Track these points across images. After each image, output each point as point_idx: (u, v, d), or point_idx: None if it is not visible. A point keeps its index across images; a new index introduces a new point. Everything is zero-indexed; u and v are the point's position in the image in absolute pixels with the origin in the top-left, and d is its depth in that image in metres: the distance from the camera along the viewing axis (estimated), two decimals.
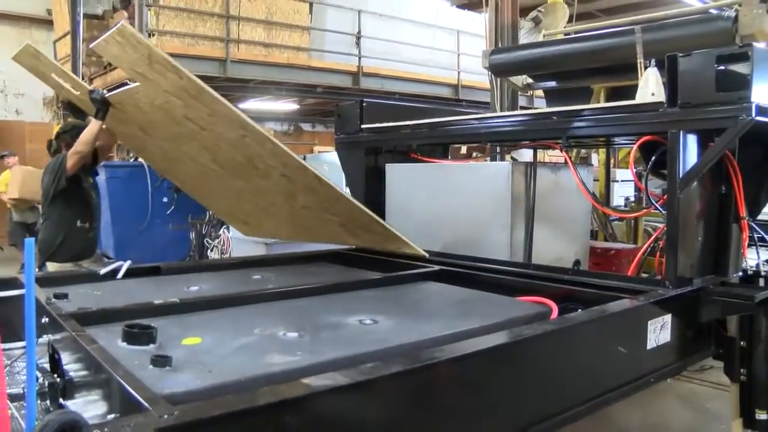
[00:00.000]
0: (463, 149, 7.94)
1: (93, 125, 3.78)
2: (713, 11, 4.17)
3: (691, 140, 2.45)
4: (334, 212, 2.61)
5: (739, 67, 2.24)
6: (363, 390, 1.39)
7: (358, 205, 2.45)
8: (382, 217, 3.82)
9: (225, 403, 1.19)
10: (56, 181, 4.14)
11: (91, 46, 2.36)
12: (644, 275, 3.05)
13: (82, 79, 13.12)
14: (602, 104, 2.78)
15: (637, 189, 6.30)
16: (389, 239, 2.63)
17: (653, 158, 2.58)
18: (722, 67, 2.26)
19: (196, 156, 2.75)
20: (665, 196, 2.53)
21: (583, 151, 6.86)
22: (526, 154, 4.29)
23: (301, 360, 1.67)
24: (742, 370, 2.55)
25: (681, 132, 2.38)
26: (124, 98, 2.70)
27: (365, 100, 3.96)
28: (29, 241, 1.09)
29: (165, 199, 8.61)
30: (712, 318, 2.51)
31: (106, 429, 1.05)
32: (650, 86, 2.83)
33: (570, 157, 3.04)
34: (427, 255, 2.83)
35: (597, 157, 7.43)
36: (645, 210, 3.06)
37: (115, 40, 2.07)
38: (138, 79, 2.29)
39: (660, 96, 2.57)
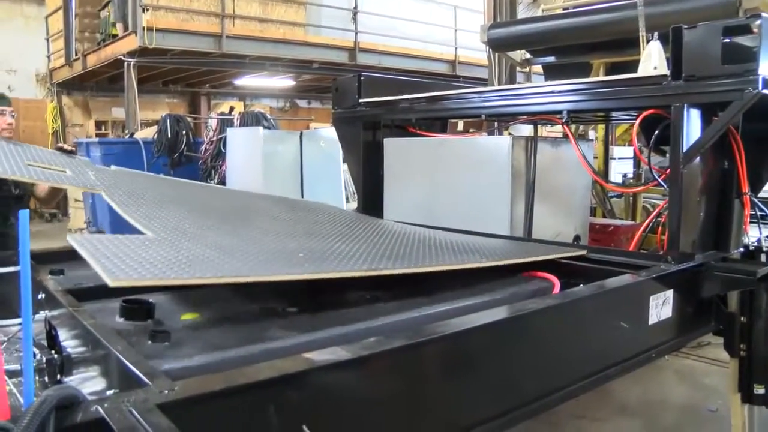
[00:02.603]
0: (460, 126, 7.90)
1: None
2: None
3: (695, 114, 2.42)
4: None
5: (746, 40, 2.20)
6: (365, 365, 1.37)
7: None
8: (380, 192, 3.81)
9: (226, 377, 1.17)
10: None
11: None
12: (643, 252, 3.03)
13: (75, 55, 13.03)
14: (604, 77, 2.74)
15: (636, 166, 6.29)
16: None
17: (656, 132, 2.55)
18: (728, 40, 2.22)
19: None
20: (667, 171, 2.51)
21: (581, 128, 6.83)
22: (522, 130, 4.26)
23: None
24: (741, 346, 2.54)
25: (685, 106, 2.35)
26: None
27: (363, 73, 3.91)
28: (24, 213, 1.05)
29: (161, 176, 8.56)
30: (713, 293, 2.49)
31: (105, 404, 1.02)
32: (653, 60, 2.78)
33: (572, 132, 3.00)
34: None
35: (595, 134, 7.42)
36: (647, 185, 3.02)
37: None
38: None
39: (663, 69, 2.53)
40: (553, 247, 2.67)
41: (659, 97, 2.43)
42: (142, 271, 1.47)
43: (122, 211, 2.17)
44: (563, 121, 2.85)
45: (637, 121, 2.56)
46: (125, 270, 1.43)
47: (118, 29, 11.62)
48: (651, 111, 2.51)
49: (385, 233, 2.65)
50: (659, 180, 2.58)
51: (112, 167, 3.09)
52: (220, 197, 3.11)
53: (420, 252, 2.27)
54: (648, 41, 3.12)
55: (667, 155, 2.90)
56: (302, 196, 7.45)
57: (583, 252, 2.55)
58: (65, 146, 3.68)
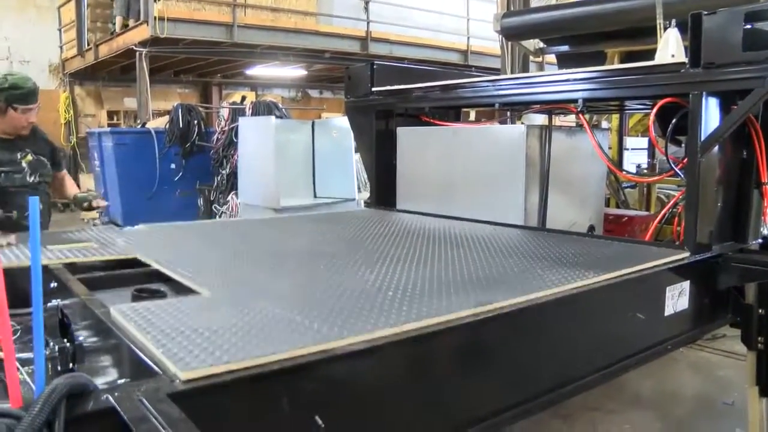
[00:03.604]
0: (472, 116, 7.85)
1: None
2: None
3: (713, 103, 2.37)
4: None
5: None
6: (379, 354, 1.36)
7: None
8: (393, 181, 3.79)
9: (238, 367, 1.16)
10: None
11: None
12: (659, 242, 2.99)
13: (87, 45, 13.05)
14: (621, 65, 2.69)
15: (650, 156, 6.23)
16: None
17: (674, 121, 2.50)
18: (750, 26, 2.17)
19: None
20: (684, 161, 2.47)
21: (594, 118, 6.77)
22: (534, 120, 4.21)
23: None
24: (759, 338, 2.51)
25: (704, 94, 2.30)
26: None
27: (376, 62, 3.89)
28: (33, 200, 1.04)
29: (173, 166, 8.58)
30: (730, 285, 2.46)
31: (116, 393, 1.02)
32: (670, 47, 2.73)
33: (588, 121, 2.96)
34: None
35: (608, 124, 7.35)
36: (663, 174, 2.98)
37: None
38: None
39: (681, 57, 2.49)
40: (651, 249, 2.46)
41: (677, 85, 2.39)
42: (214, 350, 1.23)
43: (165, 269, 2.04)
44: (578, 110, 2.81)
45: (654, 110, 2.52)
46: (195, 353, 1.21)
47: (117, 23, 11.66)
48: (668, 99, 2.47)
49: (454, 244, 2.56)
50: (676, 170, 2.55)
51: (140, 226, 3.02)
52: (257, 230, 3.05)
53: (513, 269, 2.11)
54: (665, 29, 3.06)
55: (683, 145, 2.86)
56: (314, 186, 7.44)
57: (687, 254, 2.35)
58: (94, 202, 3.66)
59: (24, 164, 3.55)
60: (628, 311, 2.08)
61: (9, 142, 3.54)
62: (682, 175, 2.52)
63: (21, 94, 3.41)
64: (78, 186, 4.18)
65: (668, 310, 2.21)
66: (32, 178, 3.57)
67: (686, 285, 2.25)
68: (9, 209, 3.45)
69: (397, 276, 1.95)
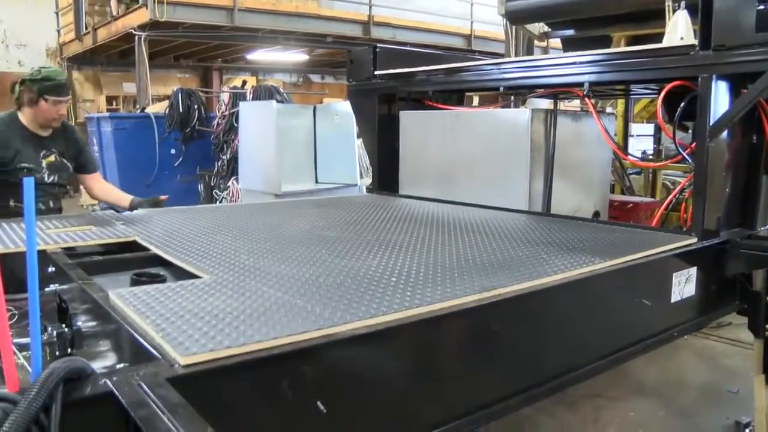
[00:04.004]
0: (475, 101, 7.81)
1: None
2: None
3: (723, 86, 2.34)
4: None
5: None
6: (382, 339, 1.35)
7: None
8: (396, 166, 3.77)
9: (239, 351, 1.14)
10: None
11: None
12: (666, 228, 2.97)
13: (85, 29, 12.99)
14: (628, 48, 2.66)
15: (656, 142, 6.20)
16: None
17: (682, 105, 2.47)
18: (763, 6, 2.14)
19: None
20: (692, 146, 2.44)
21: (599, 103, 6.74)
22: (538, 105, 4.18)
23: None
24: (767, 326, 2.50)
25: (713, 77, 2.27)
26: None
27: (379, 45, 3.85)
28: (28, 180, 1.02)
29: (173, 151, 8.55)
30: (738, 272, 2.44)
31: (114, 377, 1.00)
32: (679, 30, 2.71)
33: (594, 105, 2.94)
34: None
35: (612, 110, 7.32)
36: (670, 159, 2.96)
37: None
38: None
39: (690, 40, 2.46)
40: (657, 235, 2.45)
41: (686, 68, 2.36)
42: (215, 334, 1.21)
43: (165, 254, 2.02)
44: (584, 93, 2.78)
45: (662, 93, 2.49)
46: (195, 337, 1.19)
47: (113, 6, 11.59)
48: (676, 83, 2.44)
49: (455, 228, 2.55)
50: (684, 154, 2.52)
51: (137, 211, 3.00)
52: (258, 214, 3.02)
53: (519, 253, 2.08)
54: (674, 12, 3.03)
55: (690, 131, 2.83)
56: (315, 172, 7.42)
57: (694, 240, 2.33)
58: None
59: (44, 164, 3.54)
60: (634, 297, 2.06)
61: (37, 139, 3.53)
62: (690, 160, 2.50)
63: (53, 85, 3.42)
64: None
65: (674, 297, 2.19)
66: (50, 179, 3.57)
67: (693, 271, 2.23)
68: (20, 201, 3.42)
69: (400, 261, 1.93)
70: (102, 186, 3.75)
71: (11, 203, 3.45)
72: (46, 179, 3.53)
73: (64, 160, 3.63)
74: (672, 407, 3.35)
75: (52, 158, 3.55)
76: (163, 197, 3.25)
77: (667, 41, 2.70)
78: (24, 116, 3.51)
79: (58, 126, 3.57)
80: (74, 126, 3.87)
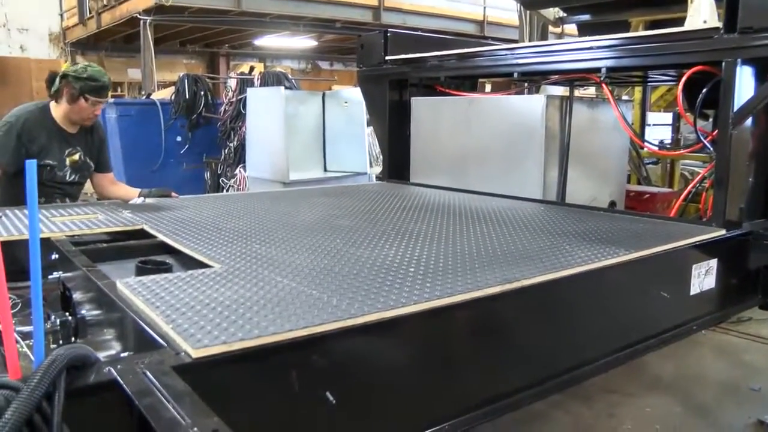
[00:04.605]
0: (487, 88, 7.77)
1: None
2: None
3: (748, 71, 2.31)
4: None
5: None
6: (393, 329, 1.34)
7: None
8: (407, 154, 3.76)
9: (247, 340, 1.13)
10: None
11: None
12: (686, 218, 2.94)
13: (89, 13, 12.99)
14: (648, 32, 2.62)
15: (674, 131, 6.14)
16: None
17: (704, 90, 2.44)
18: None
19: None
20: (714, 133, 2.41)
21: (615, 91, 6.68)
22: (552, 93, 4.15)
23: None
24: None
25: (738, 61, 2.24)
26: None
27: (390, 30, 3.83)
28: (30, 163, 1.01)
29: (178, 138, 8.54)
30: (760, 264, 2.42)
31: (118, 365, 1.00)
32: (702, 13, 2.66)
33: (611, 92, 2.90)
34: None
35: (629, 98, 7.26)
36: (690, 148, 2.93)
37: None
38: None
39: (714, 23, 2.42)
40: (681, 225, 2.44)
41: (709, 52, 2.32)
42: (228, 325, 1.19)
43: (174, 242, 2.01)
44: (601, 79, 2.75)
45: (684, 78, 2.46)
46: (207, 329, 1.17)
47: None
48: (699, 68, 2.41)
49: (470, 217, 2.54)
50: (705, 142, 2.49)
51: (145, 200, 3.01)
52: (267, 202, 3.02)
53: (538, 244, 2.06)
54: None
55: (710, 119, 2.80)
56: (324, 160, 7.41)
57: (717, 231, 2.30)
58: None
59: (68, 162, 3.53)
60: (651, 289, 2.04)
61: (63, 135, 3.53)
62: (712, 149, 2.47)
63: (96, 86, 3.46)
64: None
65: (694, 290, 2.17)
66: (71, 178, 3.57)
67: (713, 263, 2.21)
68: (41, 202, 3.38)
69: (417, 251, 1.92)
70: (115, 188, 3.75)
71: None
72: (66, 178, 3.53)
73: (88, 159, 3.63)
74: (690, 404, 3.32)
75: (75, 157, 3.55)
76: (174, 193, 3.26)
77: (690, 24, 2.66)
78: (57, 110, 3.52)
79: (91, 125, 3.60)
80: (100, 123, 3.87)
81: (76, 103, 3.44)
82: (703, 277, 2.20)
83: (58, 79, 3.49)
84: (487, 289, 1.53)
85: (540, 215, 2.63)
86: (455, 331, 1.51)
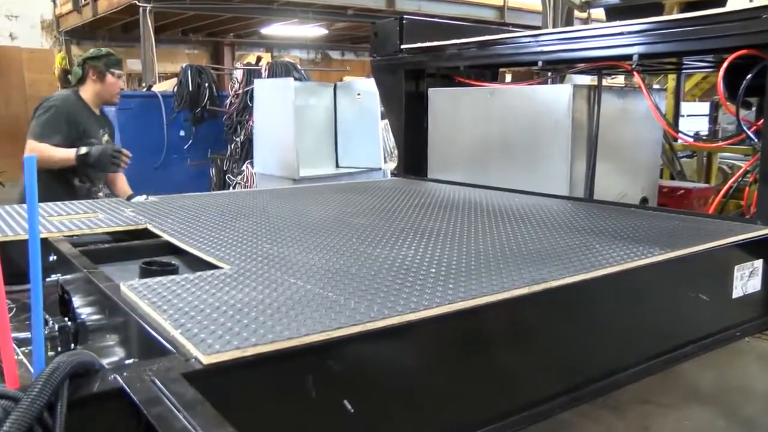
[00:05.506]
0: (508, 78, 7.75)
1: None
2: None
3: None
4: None
5: None
6: (414, 333, 1.33)
7: None
8: (424, 148, 3.75)
9: (260, 345, 1.13)
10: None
11: None
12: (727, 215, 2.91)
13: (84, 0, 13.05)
14: (685, 15, 2.60)
15: (712, 122, 6.10)
16: None
17: (749, 76, 2.41)
18: None
19: None
20: (759, 123, 2.38)
21: (646, 79, 6.64)
22: (577, 82, 4.13)
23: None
24: None
25: None
26: None
27: (405, 17, 3.82)
28: (30, 158, 1.01)
29: (182, 133, 8.58)
30: None
31: (124, 373, 0.99)
32: None
33: (643, 80, 2.88)
34: None
35: (661, 87, 7.22)
36: (731, 139, 2.89)
37: None
38: None
39: (761, 2, 2.38)
40: (721, 223, 2.39)
41: (756, 35, 2.26)
42: (240, 330, 1.19)
43: (180, 242, 2.01)
44: (633, 67, 2.73)
45: (725, 64, 2.42)
46: (218, 333, 1.17)
47: None
48: (742, 52, 2.37)
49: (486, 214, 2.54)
50: (749, 133, 2.46)
51: (148, 198, 3.03)
52: (277, 200, 3.02)
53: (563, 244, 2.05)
54: None
55: (753, 108, 2.76)
56: (336, 155, 7.41)
57: (762, 229, 2.26)
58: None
59: (104, 143, 3.82)
60: (689, 292, 2.02)
61: (94, 117, 3.86)
62: (756, 140, 2.44)
63: (116, 59, 3.86)
64: None
65: (736, 293, 2.15)
66: (87, 184, 3.85)
67: (759, 264, 2.18)
68: (85, 181, 3.79)
69: (438, 250, 1.91)
70: (119, 177, 3.95)
71: (76, 182, 3.62)
72: (78, 183, 3.76)
73: (111, 140, 3.98)
74: (734, 417, 3.27)
75: (106, 137, 3.85)
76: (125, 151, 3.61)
77: (732, 4, 2.62)
78: (86, 92, 3.85)
79: (118, 102, 4.02)
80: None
81: (104, 80, 3.81)
82: (747, 279, 2.18)
83: (79, 67, 3.84)
84: (514, 290, 1.52)
85: (567, 212, 2.61)
86: (480, 336, 1.50)
